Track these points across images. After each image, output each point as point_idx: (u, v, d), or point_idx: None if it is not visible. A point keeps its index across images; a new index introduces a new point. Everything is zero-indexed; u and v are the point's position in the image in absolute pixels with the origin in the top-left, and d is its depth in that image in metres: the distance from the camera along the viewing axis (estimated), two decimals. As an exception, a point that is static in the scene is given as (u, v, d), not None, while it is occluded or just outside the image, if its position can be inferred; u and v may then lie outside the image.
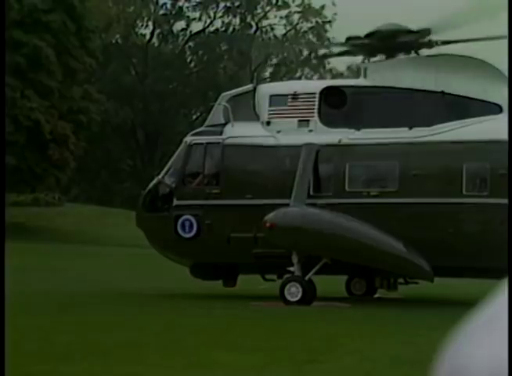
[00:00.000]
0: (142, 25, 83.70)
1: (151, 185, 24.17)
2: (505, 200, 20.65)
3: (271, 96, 23.00)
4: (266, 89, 23.72)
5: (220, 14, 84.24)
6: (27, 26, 55.99)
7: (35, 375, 10.60)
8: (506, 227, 20.51)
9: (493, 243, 20.44)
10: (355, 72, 27.07)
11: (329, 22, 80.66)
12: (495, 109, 21.64)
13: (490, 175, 21.01)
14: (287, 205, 21.32)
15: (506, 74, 22.13)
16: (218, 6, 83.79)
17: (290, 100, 22.85)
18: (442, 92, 21.83)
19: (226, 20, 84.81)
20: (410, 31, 22.47)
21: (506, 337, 0.55)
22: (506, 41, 21.95)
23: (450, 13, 21.79)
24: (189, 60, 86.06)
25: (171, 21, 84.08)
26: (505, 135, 20.88)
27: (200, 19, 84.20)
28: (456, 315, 1.81)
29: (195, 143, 23.25)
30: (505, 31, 21.58)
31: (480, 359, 0.55)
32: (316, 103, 22.60)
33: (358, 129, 22.11)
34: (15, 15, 55.68)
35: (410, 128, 21.80)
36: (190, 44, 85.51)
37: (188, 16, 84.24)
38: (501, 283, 0.61)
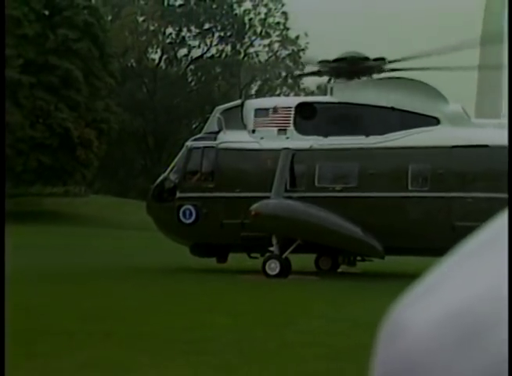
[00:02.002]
0: (152, 51, 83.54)
1: (158, 180, 24.08)
2: (441, 194, 20.77)
3: (256, 110, 22.95)
4: (252, 104, 23.67)
5: (215, 42, 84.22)
6: (60, 52, 55.86)
7: (63, 333, 10.55)
8: (443, 215, 20.58)
9: (432, 228, 20.52)
10: (324, 91, 27.00)
11: (303, 49, 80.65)
12: (434, 121, 21.68)
13: (430, 174, 21.04)
14: (268, 198, 21.29)
15: (443, 92, 22.17)
16: (213, 36, 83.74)
17: (271, 113, 22.80)
18: (392, 108, 21.83)
19: (220, 48, 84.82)
20: (367, 58, 22.47)
21: (441, 303, 0.55)
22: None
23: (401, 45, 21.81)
24: (190, 80, 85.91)
25: (176, 48, 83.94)
26: (441, 142, 20.97)
27: (199, 46, 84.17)
28: (403, 285, 1.76)
29: (194, 147, 23.18)
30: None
31: (417, 321, 0.54)
32: (292, 116, 22.56)
33: (325, 137, 22.08)
34: (51, 43, 55.54)
35: (367, 136, 21.79)
36: (191, 67, 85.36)
37: (189, 45, 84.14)
38: (440, 259, 0.60)
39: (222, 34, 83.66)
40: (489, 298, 0.53)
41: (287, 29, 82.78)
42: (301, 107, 22.68)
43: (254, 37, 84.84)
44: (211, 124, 23.51)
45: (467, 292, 0.55)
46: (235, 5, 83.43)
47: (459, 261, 0.57)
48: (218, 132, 22.93)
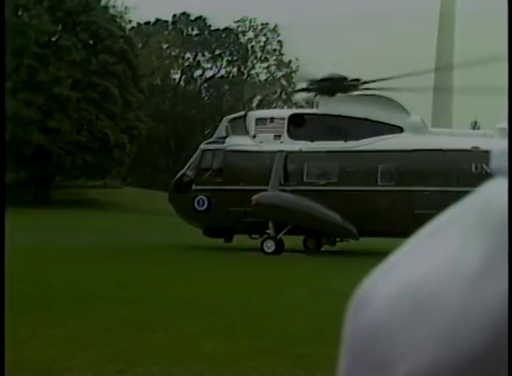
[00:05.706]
0: (173, 72, 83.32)
1: (178, 176, 24.03)
2: (404, 188, 20.77)
3: (256, 119, 22.89)
4: (253, 115, 23.61)
5: (224, 65, 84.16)
6: (101, 73, 55.75)
7: (101, 297, 10.54)
8: (405, 205, 20.53)
9: (397, 215, 20.49)
10: (311, 104, 26.92)
11: (295, 71, 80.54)
12: (398, 130, 21.66)
13: (395, 172, 21.03)
14: (266, 190, 21.27)
15: (405, 106, 22.11)
16: (222, 60, 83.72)
17: (268, 122, 22.75)
18: (366, 119, 21.79)
19: (228, 70, 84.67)
20: (345, 78, 22.39)
21: (398, 278, 0.54)
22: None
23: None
24: (203, 96, 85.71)
25: (192, 70, 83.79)
26: (404, 146, 20.93)
27: (211, 68, 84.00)
28: (372, 260, 1.76)
29: (207, 149, 23.13)
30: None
31: (378, 293, 0.54)
32: (286, 124, 22.51)
33: (312, 141, 22.04)
34: (94, 66, 55.63)
35: (345, 141, 21.75)
36: (205, 85, 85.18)
37: (203, 67, 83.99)
38: (402, 240, 0.59)
39: (230, 58, 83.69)
40: (439, 273, 0.52)
41: (282, 54, 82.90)
42: (292, 118, 22.64)
43: (255, 61, 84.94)
44: (220, 131, 23.47)
45: (421, 268, 0.54)
46: (240, 35, 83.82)
47: (418, 242, 0.57)
48: (225, 137, 22.89)
